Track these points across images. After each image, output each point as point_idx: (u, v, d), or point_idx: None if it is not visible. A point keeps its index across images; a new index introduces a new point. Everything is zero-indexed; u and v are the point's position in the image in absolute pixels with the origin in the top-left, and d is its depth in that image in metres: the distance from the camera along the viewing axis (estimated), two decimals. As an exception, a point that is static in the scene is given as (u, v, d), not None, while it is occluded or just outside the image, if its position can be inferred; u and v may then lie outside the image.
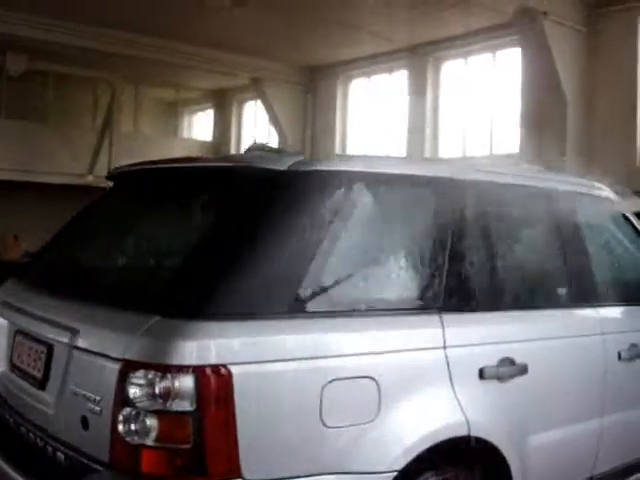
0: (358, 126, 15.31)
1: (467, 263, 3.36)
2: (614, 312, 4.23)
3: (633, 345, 4.11)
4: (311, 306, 2.80)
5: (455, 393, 3.10)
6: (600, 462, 4.00)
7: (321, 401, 2.70)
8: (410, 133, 13.62)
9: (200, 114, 20.86)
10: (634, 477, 4.39)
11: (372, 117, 14.98)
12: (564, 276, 3.92)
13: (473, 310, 3.35)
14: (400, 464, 2.86)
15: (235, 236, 2.85)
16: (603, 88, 10.70)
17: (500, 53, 12.56)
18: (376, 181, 3.16)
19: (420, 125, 13.40)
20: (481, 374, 3.22)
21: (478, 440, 3.19)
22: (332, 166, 3.11)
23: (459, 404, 3.10)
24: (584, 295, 3.97)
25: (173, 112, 20.42)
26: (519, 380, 3.38)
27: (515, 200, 3.75)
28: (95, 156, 15.43)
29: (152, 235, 3.59)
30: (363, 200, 3.07)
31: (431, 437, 2.98)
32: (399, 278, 3.10)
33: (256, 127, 18.11)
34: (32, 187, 14.11)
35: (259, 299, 2.70)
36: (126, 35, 13.79)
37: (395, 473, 2.85)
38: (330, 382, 2.72)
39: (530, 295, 3.70)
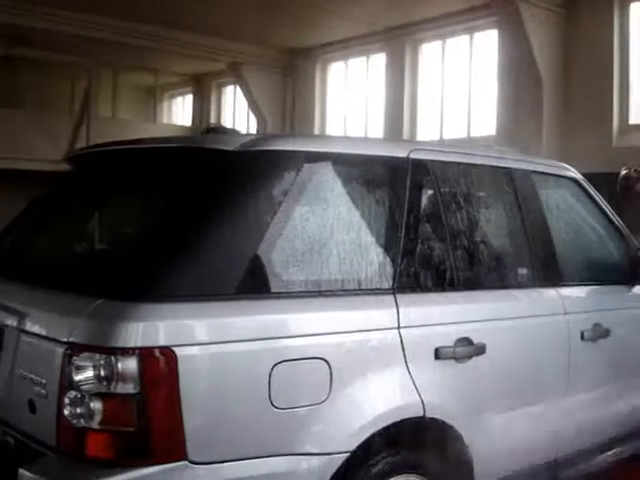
0: (337, 109, 15.24)
1: (422, 243, 3.34)
2: (577, 292, 4.23)
3: (596, 325, 4.11)
4: (260, 287, 2.78)
5: (410, 374, 3.09)
6: (564, 444, 4.01)
7: (270, 382, 2.68)
8: (388, 116, 13.56)
9: (179, 99, 20.75)
10: (600, 459, 4.40)
11: (351, 100, 14.92)
12: (525, 255, 3.91)
13: (429, 290, 3.33)
14: (351, 445, 2.85)
15: (181, 217, 2.82)
16: (579, 70, 10.67)
17: (478, 35, 12.51)
18: (328, 161, 3.13)
19: (398, 108, 13.35)
20: (437, 354, 3.21)
21: (434, 421, 3.18)
22: (282, 145, 3.08)
23: (414, 385, 3.09)
24: (546, 275, 3.96)
25: (152, 97, 20.27)
26: (477, 360, 3.37)
27: (473, 179, 3.72)
28: (72, 142, 15.28)
29: (104, 217, 3.56)
30: (314, 180, 3.04)
31: (384, 418, 2.97)
32: (352, 258, 3.06)
33: (235, 111, 18.02)
34: (6, 174, 13.97)
35: (205, 280, 2.68)
36: (104, 20, 13.62)
37: (347, 454, 2.84)
38: (279, 363, 2.70)
39: (489, 275, 3.68)
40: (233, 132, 3.57)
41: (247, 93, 16.00)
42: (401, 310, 3.11)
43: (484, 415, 3.47)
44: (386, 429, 2.97)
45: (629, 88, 10.49)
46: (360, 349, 2.97)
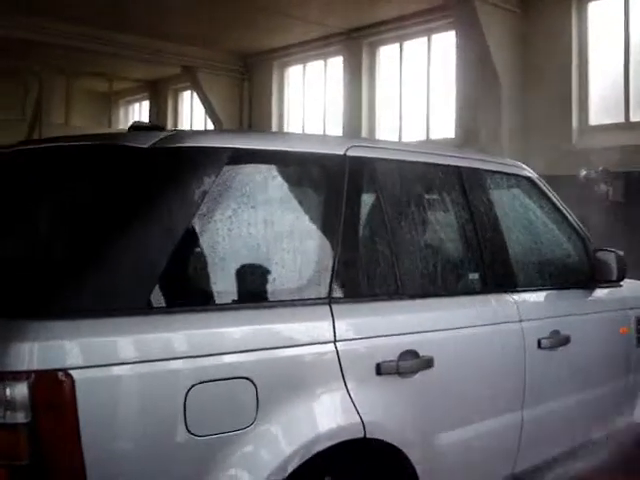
0: (295, 113, 14.96)
1: (361, 248, 3.06)
2: (534, 297, 3.99)
3: (555, 332, 3.87)
4: (173, 300, 2.48)
5: (348, 392, 2.81)
6: (522, 458, 3.76)
7: (185, 407, 2.37)
8: (346, 120, 13.32)
9: (136, 105, 20.36)
10: (560, 470, 4.17)
11: (309, 104, 14.66)
12: (476, 259, 3.65)
13: (369, 299, 3.06)
14: (281, 474, 2.55)
15: (84, 222, 2.51)
16: (538, 70, 10.51)
17: (435, 37, 12.31)
18: (255, 158, 2.84)
19: (356, 111, 13.12)
20: (378, 370, 2.92)
21: (377, 442, 2.90)
22: (201, 142, 2.78)
23: (353, 404, 2.81)
24: (499, 280, 3.71)
25: (107, 103, 19.87)
26: (424, 375, 3.10)
27: (418, 178, 3.46)
28: (24, 150, 14.83)
29: (12, 224, 3.22)
30: (238, 179, 2.74)
31: (319, 442, 2.68)
32: (281, 266, 2.77)
33: (192, 117, 17.68)
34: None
35: (110, 293, 2.36)
36: (54, 24, 13.25)
37: (277, 484, 2.54)
38: (196, 385, 2.39)
39: (436, 281, 3.41)
40: (160, 129, 3.26)
41: (203, 98, 15.68)
42: (337, 322, 2.82)
43: (433, 434, 3.20)
44: (322, 454, 2.68)
45: (588, 89, 10.34)
46: (291, 366, 2.68)
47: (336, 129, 13.51)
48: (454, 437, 3.31)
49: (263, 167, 2.86)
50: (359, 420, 2.80)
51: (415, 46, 12.67)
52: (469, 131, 10.97)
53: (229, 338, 2.53)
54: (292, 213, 2.88)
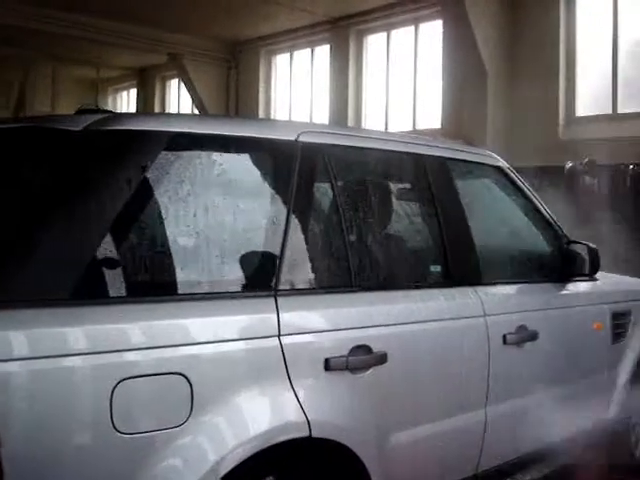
0: (282, 102, 14.80)
1: (312, 238, 2.93)
2: (500, 291, 3.86)
3: (522, 327, 3.74)
4: (101, 291, 2.34)
5: (293, 388, 2.67)
6: (486, 458, 3.64)
7: (112, 403, 2.23)
8: (333, 108, 13.18)
9: (124, 93, 20.17)
10: (530, 471, 4.06)
11: (296, 93, 14.50)
12: (438, 251, 3.52)
13: (318, 292, 2.92)
14: (217, 474, 2.42)
15: (7, 209, 2.37)
16: (525, 61, 10.37)
17: (423, 26, 12.15)
18: (197, 143, 2.70)
19: (343, 100, 12.98)
20: (327, 365, 2.78)
21: (324, 441, 2.76)
22: (139, 125, 2.64)
23: (298, 401, 2.67)
24: (463, 273, 3.58)
25: (94, 91, 19.63)
26: (377, 371, 2.96)
27: (377, 166, 3.32)
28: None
29: None
30: (177, 165, 2.60)
31: (258, 441, 2.54)
32: (222, 256, 2.63)
33: (180, 105, 17.51)
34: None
35: (29, 283, 2.22)
36: (42, 10, 13.08)
37: (212, 486, 2.40)
38: (124, 380, 2.26)
39: (393, 274, 3.28)
40: (108, 112, 3.11)
41: (190, 86, 15.51)
42: (283, 315, 2.68)
43: (387, 433, 3.07)
44: (262, 453, 2.55)
45: (575, 80, 10.21)
46: (229, 362, 2.54)
47: (323, 118, 13.35)
48: (410, 436, 3.18)
49: (205, 152, 2.71)
50: (304, 418, 2.67)
51: (402, 35, 12.50)
52: (455, 121, 10.84)
53: (161, 332, 2.39)
54: (236, 201, 2.73)
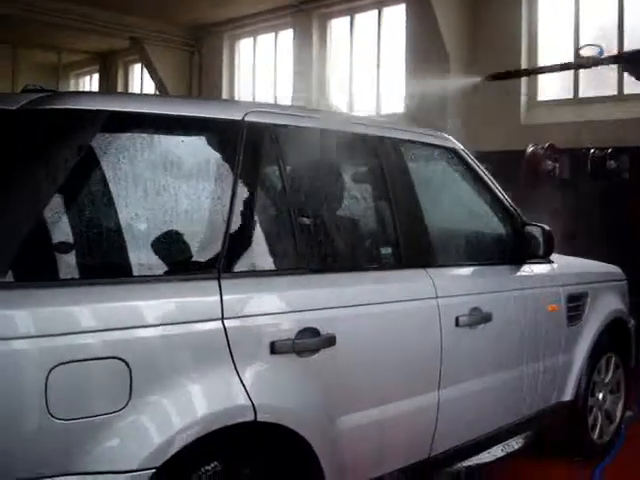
0: (246, 87, 14.67)
1: (258, 219, 2.88)
2: (453, 273, 3.84)
3: (475, 309, 3.73)
4: (35, 274, 2.28)
5: (237, 372, 2.63)
6: (440, 440, 3.63)
7: (47, 388, 2.18)
8: (296, 94, 13.08)
9: (87, 78, 19.91)
10: (486, 453, 4.06)
11: (260, 78, 14.38)
12: (389, 233, 3.49)
13: (264, 273, 2.87)
14: (158, 460, 2.38)
15: None
16: (487, 44, 10.34)
17: (387, 10, 12.08)
18: (137, 122, 2.64)
19: (307, 85, 12.88)
20: (273, 348, 2.74)
21: (270, 426, 2.73)
22: (77, 103, 2.57)
23: (242, 385, 2.63)
24: (415, 254, 3.55)
25: (56, 76, 19.35)
26: (325, 353, 2.93)
27: (326, 147, 3.27)
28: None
29: None
30: (114, 145, 2.54)
31: (201, 426, 2.51)
32: (161, 238, 2.58)
33: (143, 90, 17.28)
34: None
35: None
36: (-1, -6, 12.82)
37: (152, 471, 2.36)
38: (59, 365, 2.20)
39: (343, 255, 3.25)
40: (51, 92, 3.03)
41: (152, 71, 15.30)
42: (226, 297, 2.64)
43: (337, 416, 3.04)
44: (206, 438, 2.51)
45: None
46: (170, 345, 2.49)
47: (287, 102, 13.26)
48: (361, 419, 3.16)
49: (146, 132, 2.65)
50: (249, 402, 2.63)
51: (366, 19, 12.42)
52: (418, 106, 10.79)
53: (98, 315, 2.34)
54: (178, 181, 2.68)
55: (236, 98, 14.51)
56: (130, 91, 17.67)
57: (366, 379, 3.19)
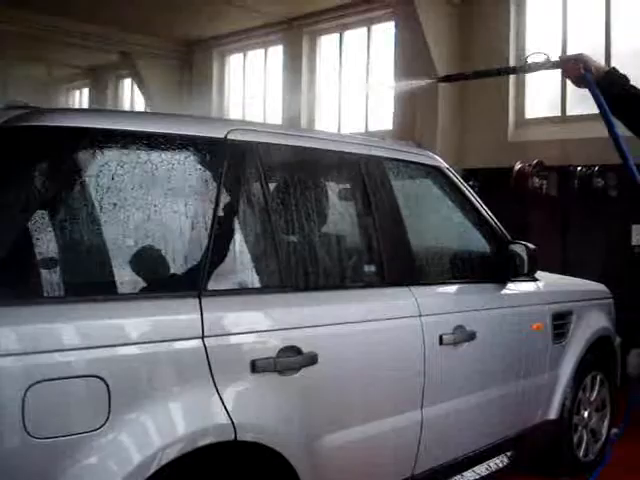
0: (235, 103, 14.69)
1: (240, 238, 2.88)
2: (437, 291, 3.84)
3: (459, 327, 3.73)
4: (12, 292, 2.26)
5: (217, 391, 2.62)
6: (423, 459, 3.62)
7: (24, 407, 2.16)
8: (286, 109, 13.10)
9: (77, 93, 19.89)
10: (470, 472, 4.05)
11: (250, 93, 14.40)
12: (372, 251, 3.49)
13: (247, 292, 2.87)
14: (137, 478, 2.36)
15: None
16: (475, 62, 10.34)
17: (376, 27, 12.13)
18: (114, 140, 2.63)
19: (296, 101, 12.90)
20: (254, 367, 2.74)
21: (251, 445, 2.72)
22: (55, 121, 2.56)
23: (222, 404, 2.62)
24: (398, 273, 3.55)
25: (46, 91, 19.33)
26: (307, 372, 2.93)
27: (310, 165, 3.29)
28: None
29: None
30: (93, 163, 2.53)
31: (180, 445, 2.49)
32: (142, 256, 2.57)
33: (133, 105, 17.29)
34: None
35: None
36: (-10, 8, 12.81)
37: (129, 491, 2.34)
38: (37, 383, 2.19)
39: (325, 274, 3.25)
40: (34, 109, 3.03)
41: (142, 85, 15.30)
42: (207, 316, 2.63)
43: (319, 435, 3.03)
44: (185, 457, 2.49)
45: (525, 81, 10.23)
46: (150, 364, 2.48)
47: (276, 118, 13.28)
48: (343, 439, 3.15)
49: (127, 150, 2.65)
50: (229, 421, 2.62)
51: (355, 36, 12.47)
52: (406, 122, 10.83)
53: (76, 333, 2.33)
54: (158, 199, 2.67)
55: (226, 113, 14.50)
56: (120, 106, 17.68)
57: (348, 398, 3.18)
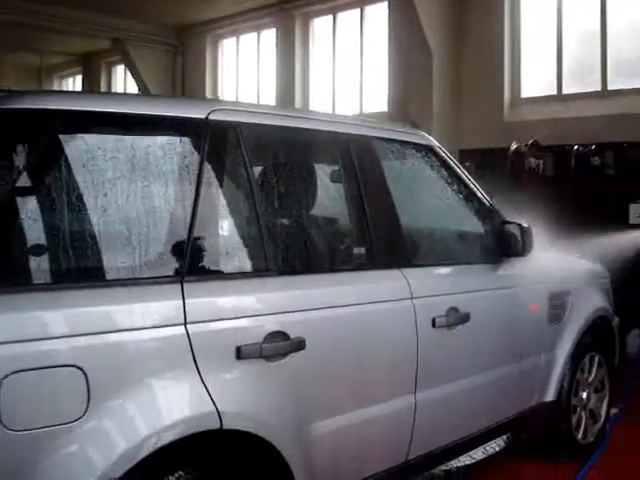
0: (229, 87, 14.57)
1: (223, 221, 2.81)
2: (429, 273, 3.76)
3: (452, 309, 3.65)
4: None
5: (201, 378, 2.55)
6: (417, 444, 3.55)
7: None
8: (280, 93, 12.99)
9: (70, 80, 19.75)
10: (466, 456, 3.99)
11: (244, 78, 14.28)
12: (362, 233, 3.41)
13: (231, 277, 2.79)
14: (118, 471, 2.29)
15: None
16: (470, 42, 10.27)
17: (369, 8, 11.99)
18: (93, 122, 2.55)
19: (290, 84, 12.79)
20: (239, 353, 2.66)
21: (238, 433, 2.64)
22: (30, 104, 2.47)
23: (207, 391, 2.55)
24: (389, 254, 3.47)
25: (39, 78, 19.18)
26: (295, 358, 2.85)
27: (296, 145, 3.20)
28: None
29: None
30: (70, 145, 2.47)
31: (164, 435, 2.42)
32: (121, 241, 2.49)
33: (126, 91, 17.15)
34: None
35: None
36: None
37: (111, 483, 2.27)
38: (12, 374, 2.11)
39: (314, 256, 3.17)
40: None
41: (134, 72, 15.15)
42: (189, 302, 2.55)
43: (308, 422, 2.96)
44: (170, 447, 2.42)
45: (521, 60, 10.11)
46: (130, 352, 2.41)
47: (270, 102, 13.16)
48: (333, 425, 3.08)
49: (106, 131, 2.57)
50: (214, 409, 2.54)
51: (348, 18, 12.34)
52: (401, 104, 10.73)
53: (53, 321, 2.25)
54: (139, 182, 2.59)
55: (220, 98, 14.37)
56: (114, 91, 17.55)
57: (339, 383, 3.11)
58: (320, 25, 12.79)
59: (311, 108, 12.61)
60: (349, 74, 12.23)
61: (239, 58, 14.33)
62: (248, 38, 14.10)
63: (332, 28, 12.54)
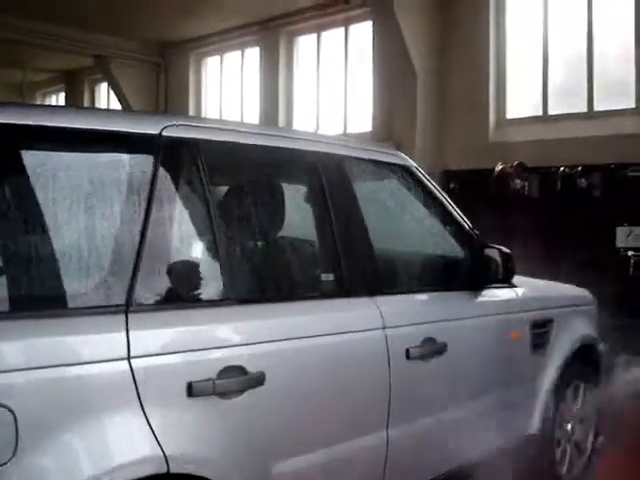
0: (212, 106, 14.41)
1: (175, 246, 2.60)
2: (404, 301, 3.55)
3: (428, 340, 3.43)
4: None
5: (147, 418, 2.32)
6: (390, 481, 3.31)
7: None
8: (263, 112, 12.83)
9: (53, 97, 19.54)
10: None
11: (227, 96, 14.12)
12: (331, 259, 3.20)
13: (182, 306, 2.57)
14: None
15: None
16: (455, 61, 10.15)
17: (353, 27, 11.86)
18: (34, 137, 2.36)
19: (273, 103, 12.64)
20: (190, 390, 2.44)
21: (186, 478, 2.42)
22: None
23: (152, 433, 2.31)
24: (360, 282, 3.27)
25: (22, 95, 18.93)
26: (253, 394, 2.63)
27: (259, 165, 2.99)
28: None
29: None
30: (8, 160, 2.24)
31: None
32: (56, 267, 2.27)
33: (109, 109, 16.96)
34: None
35: None
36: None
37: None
38: None
39: (276, 284, 2.95)
40: None
41: (117, 89, 14.98)
42: (133, 334, 2.33)
43: (267, 464, 2.73)
44: None
45: (506, 81, 10.00)
46: (66, 390, 2.18)
47: (254, 120, 12.99)
48: (298, 464, 2.86)
49: (48, 147, 2.36)
50: (159, 452, 2.32)
51: (333, 36, 12.20)
52: (385, 123, 10.58)
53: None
54: (81, 203, 2.37)
55: (202, 116, 14.21)
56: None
57: (302, 421, 2.89)
58: (304, 44, 12.66)
59: (295, 127, 12.45)
60: (333, 93, 12.08)
61: (223, 76, 14.19)
62: (232, 56, 13.98)
63: (316, 47, 12.41)
